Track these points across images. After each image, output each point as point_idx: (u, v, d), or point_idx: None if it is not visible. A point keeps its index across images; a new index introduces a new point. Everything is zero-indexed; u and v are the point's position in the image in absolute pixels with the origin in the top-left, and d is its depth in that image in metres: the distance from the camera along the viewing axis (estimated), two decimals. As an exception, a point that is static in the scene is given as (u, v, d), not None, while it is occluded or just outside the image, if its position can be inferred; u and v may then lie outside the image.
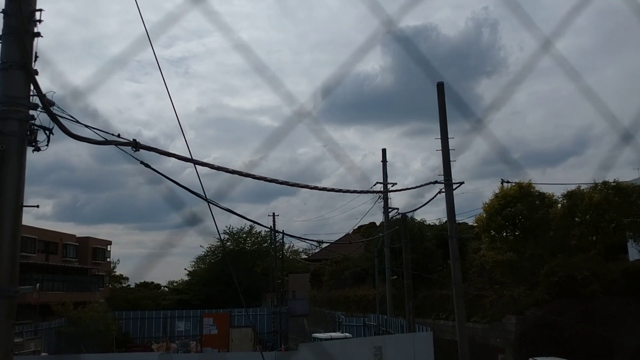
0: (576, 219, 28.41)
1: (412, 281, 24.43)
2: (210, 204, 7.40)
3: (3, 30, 5.37)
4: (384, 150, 32.53)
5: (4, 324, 5.01)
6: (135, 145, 5.90)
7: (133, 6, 5.96)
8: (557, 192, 29.22)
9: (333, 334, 29.46)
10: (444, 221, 28.38)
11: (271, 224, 50.22)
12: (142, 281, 75.11)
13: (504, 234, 31.44)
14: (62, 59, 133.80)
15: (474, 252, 32.71)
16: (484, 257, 29.89)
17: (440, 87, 18.22)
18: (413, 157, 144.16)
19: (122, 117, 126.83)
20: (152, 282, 77.04)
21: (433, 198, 18.37)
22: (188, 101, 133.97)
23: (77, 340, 34.39)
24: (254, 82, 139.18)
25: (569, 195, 28.95)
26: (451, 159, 17.92)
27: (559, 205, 29.80)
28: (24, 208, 5.33)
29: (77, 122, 5.73)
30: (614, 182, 27.58)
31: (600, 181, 27.78)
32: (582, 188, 28.90)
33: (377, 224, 51.52)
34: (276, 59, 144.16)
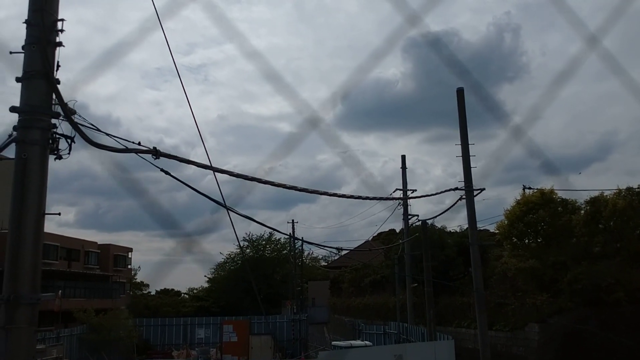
0: (600, 225, 27.98)
1: (432, 289, 24.21)
2: (229, 211, 7.41)
3: (26, 40, 5.44)
4: (403, 157, 32.37)
5: (26, 330, 5.04)
6: (156, 153, 5.94)
7: (153, 13, 6.00)
8: (580, 198, 28.84)
9: (353, 342, 29.28)
10: (465, 228, 28.13)
11: (291, 231, 50.29)
12: (163, 288, 75.62)
13: (526, 240, 31.08)
14: (82, 66, 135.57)
15: (495, 259, 32.36)
16: (505, 265, 29.55)
17: (460, 93, 18.12)
18: (434, 164, 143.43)
19: (142, 124, 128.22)
20: (173, 289, 77.43)
21: (454, 205, 18.26)
22: (207, 108, 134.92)
23: (98, 347, 34.67)
24: (273, 88, 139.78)
25: (592, 201, 28.54)
26: (472, 165, 17.79)
27: (582, 211, 29.39)
28: (46, 216, 5.37)
29: (98, 130, 5.78)
30: (638, 188, 27.14)
31: (624, 187, 27.41)
32: (605, 194, 28.50)
33: (397, 231, 51.26)
34: (295, 65, 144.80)
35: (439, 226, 37.57)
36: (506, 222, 30.94)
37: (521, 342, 25.52)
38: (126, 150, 5.86)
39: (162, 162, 6.09)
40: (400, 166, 32.20)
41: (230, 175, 6.89)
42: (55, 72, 5.44)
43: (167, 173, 6.41)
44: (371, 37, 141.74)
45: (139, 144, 5.96)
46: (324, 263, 79.64)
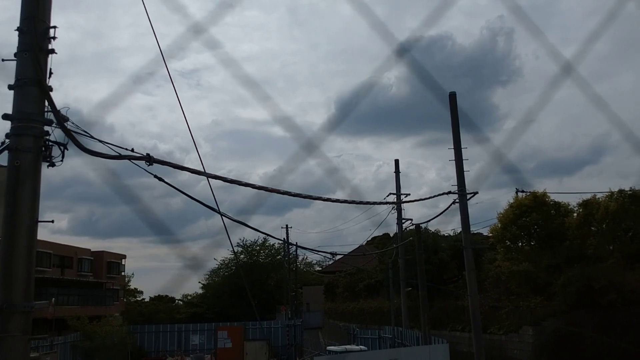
0: (592, 228, 28.10)
1: (427, 293, 24.22)
2: (223, 217, 7.40)
3: (18, 47, 5.44)
4: (396, 161, 32.38)
5: (19, 339, 5.02)
6: (149, 159, 5.93)
7: (145, 19, 6.01)
8: (573, 201, 28.99)
9: (348, 347, 29.26)
10: (459, 232, 28.19)
11: (285, 236, 50.21)
12: (157, 294, 75.34)
13: (520, 244, 31.16)
14: (75, 72, 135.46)
15: (489, 262, 32.44)
16: (499, 268, 29.60)
17: (453, 97, 18.18)
18: (428, 167, 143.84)
19: (135, 130, 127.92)
20: (167, 296, 77.16)
21: (447, 209, 18.27)
22: (201, 113, 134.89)
23: (92, 354, 34.48)
24: (266, 93, 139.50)
25: (585, 204, 28.66)
26: (465, 169, 17.84)
27: (575, 214, 29.51)
28: (40, 223, 5.35)
29: (92, 137, 5.77)
30: (630, 190, 27.29)
31: (616, 190, 27.54)
32: (598, 197, 28.64)
33: (391, 235, 51.31)
34: (290, 70, 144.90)
35: (433, 230, 37.68)
36: (500, 225, 31.03)
37: (515, 345, 25.55)
38: (120, 156, 5.85)
39: (156, 167, 6.09)
40: (394, 170, 32.25)
41: (224, 181, 6.89)
42: (47, 79, 5.44)
43: (160, 179, 6.40)
44: (365, 42, 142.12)
45: (133, 150, 5.95)
46: (318, 268, 79.54)
